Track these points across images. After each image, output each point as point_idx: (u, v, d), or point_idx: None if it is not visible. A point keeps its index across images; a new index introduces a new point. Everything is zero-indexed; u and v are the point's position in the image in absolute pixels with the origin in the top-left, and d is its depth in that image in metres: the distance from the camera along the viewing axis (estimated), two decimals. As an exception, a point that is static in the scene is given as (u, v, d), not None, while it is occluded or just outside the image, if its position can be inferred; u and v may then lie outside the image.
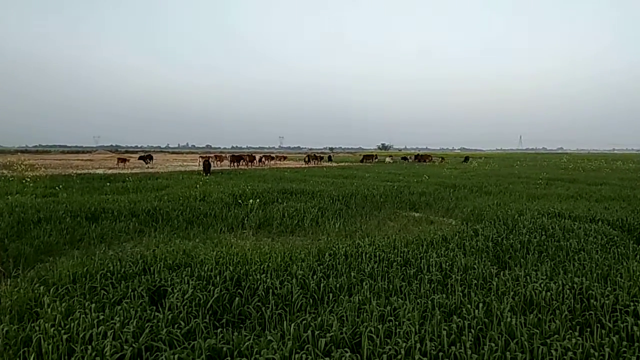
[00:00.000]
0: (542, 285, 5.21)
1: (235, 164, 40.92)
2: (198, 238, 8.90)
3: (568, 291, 5.07)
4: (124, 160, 39.75)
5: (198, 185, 17.52)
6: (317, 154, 64.78)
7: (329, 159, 58.22)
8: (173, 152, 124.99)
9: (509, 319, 4.28)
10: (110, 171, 30.41)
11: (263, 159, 47.90)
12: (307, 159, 49.69)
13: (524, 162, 53.86)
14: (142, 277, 5.50)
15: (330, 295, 5.18)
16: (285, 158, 59.32)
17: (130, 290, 5.06)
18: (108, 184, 18.62)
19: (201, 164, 30.41)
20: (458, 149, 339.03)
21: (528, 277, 5.62)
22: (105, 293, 5.03)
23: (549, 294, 4.96)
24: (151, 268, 5.91)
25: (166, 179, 21.81)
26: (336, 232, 9.56)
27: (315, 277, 5.63)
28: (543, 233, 8.45)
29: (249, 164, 42.00)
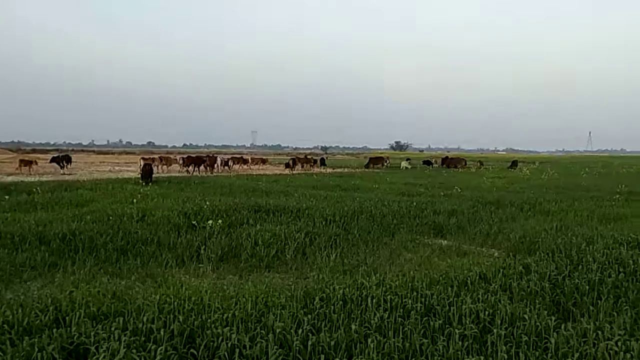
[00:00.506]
0: (620, 343, 5.25)
1: (193, 169, 40.86)
2: (134, 275, 8.84)
3: (656, 352, 5.10)
4: (29, 163, 39.41)
5: (135, 200, 17.47)
6: (307, 156, 64.99)
7: (322, 162, 58.37)
8: (100, 152, 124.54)
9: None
10: (9, 178, 30.20)
11: (230, 163, 47.88)
12: (290, 163, 49.76)
13: (595, 169, 54.40)
14: (54, 330, 5.44)
15: (322, 357, 5.17)
16: (265, 162, 59.19)
17: (36, 349, 5.00)
18: (6, 196, 18.48)
19: (141, 168, 30.32)
20: (502, 151, 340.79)
21: (599, 332, 5.65)
22: (1, 354, 4.99)
23: (628, 355, 4.99)
24: (67, 318, 5.85)
25: (90, 189, 21.71)
26: (331, 266, 9.56)
27: (300, 331, 5.62)
28: (621, 270, 8.51)
29: (209, 168, 41.97)
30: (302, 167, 51.72)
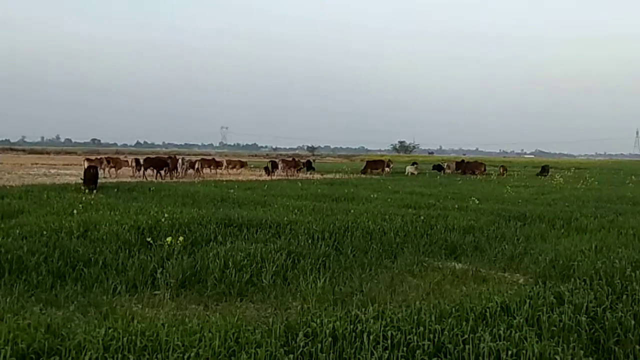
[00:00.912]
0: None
1: (152, 173, 40.74)
2: (74, 304, 8.78)
3: None
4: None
5: (76, 211, 17.38)
6: (295, 159, 65.01)
7: (308, 166, 58.31)
8: (32, 152, 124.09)
9: None
10: None
11: (197, 166, 47.61)
12: (270, 167, 49.83)
13: (643, 178, 54.73)
14: (-28, 373, 5.42)
15: (306, 407, 5.17)
16: (244, 165, 58.36)
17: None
18: None
19: (84, 171, 30.27)
20: (530, 154, 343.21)
21: (647, 377, 5.70)
22: None
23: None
24: (-11, 357, 5.83)
25: (19, 198, 21.57)
26: (318, 294, 9.56)
27: (279, 374, 5.62)
28: (674, 301, 8.57)
29: (171, 173, 41.88)
30: (287, 172, 51.62)
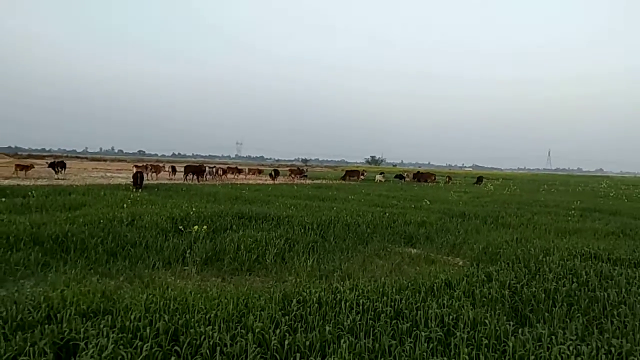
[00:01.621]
0: (572, 348, 5.34)
1: (193, 177, 40.77)
2: (123, 275, 8.79)
3: (604, 356, 5.21)
4: (25, 168, 39.01)
5: (125, 205, 17.33)
6: (300, 167, 65.57)
7: (301, 173, 58.33)
8: (93, 159, 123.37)
9: (527, 391, 4.36)
10: (6, 182, 29.79)
11: (220, 172, 47.72)
12: (273, 174, 49.78)
13: (553, 186, 55.13)
14: (46, 326, 5.41)
15: (298, 355, 5.18)
16: (261, 172, 58.99)
17: (28, 344, 4.97)
18: (3, 199, 18.24)
19: (132, 175, 30.25)
20: (469, 167, 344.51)
21: (553, 337, 5.74)
22: (-6, 348, 4.92)
23: (579, 359, 5.08)
24: (58, 315, 5.81)
25: (82, 194, 21.49)
26: (308, 271, 9.59)
27: (278, 331, 5.63)
28: (574, 280, 8.65)
29: (205, 177, 41.92)
30: (294, 178, 51.80)
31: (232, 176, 51.66)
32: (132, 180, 29.24)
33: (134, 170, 36.42)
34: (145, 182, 31.00)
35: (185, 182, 37.85)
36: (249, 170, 57.53)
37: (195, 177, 41.19)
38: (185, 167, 43.31)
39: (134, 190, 25.19)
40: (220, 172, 47.83)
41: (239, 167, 59.97)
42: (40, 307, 6.04)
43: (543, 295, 7.68)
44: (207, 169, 45.47)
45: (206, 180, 41.54)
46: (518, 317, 7.05)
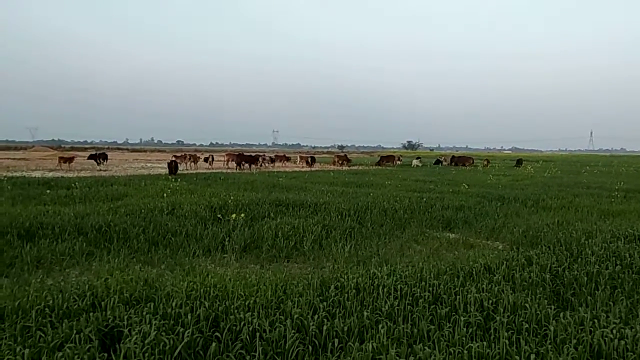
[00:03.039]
0: (615, 331, 5.23)
1: (244, 166, 41.60)
2: (164, 264, 8.96)
3: (648, 339, 5.08)
4: (68, 160, 39.99)
5: (165, 194, 17.63)
6: (346, 155, 65.18)
7: (348, 160, 56.60)
8: (134, 150, 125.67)
9: (569, 376, 4.30)
10: (50, 174, 30.59)
11: (266, 159, 48.48)
12: (309, 161, 49.85)
13: (595, 168, 53.83)
14: (91, 314, 5.54)
15: (336, 341, 5.21)
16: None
17: (74, 331, 5.10)
18: (48, 191, 18.75)
19: (174, 165, 31.02)
20: (508, 150, 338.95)
21: (596, 321, 5.63)
22: (42, 335, 5.08)
23: (622, 342, 4.97)
24: (102, 303, 5.96)
25: (124, 185, 21.93)
26: (345, 257, 9.60)
27: (316, 317, 5.66)
28: (618, 262, 8.46)
29: (251, 166, 42.42)
30: (344, 165, 51.37)
31: (281, 164, 52.05)
32: (167, 168, 30.64)
33: (170, 159, 37.31)
34: (183, 171, 31.69)
35: (237, 170, 38.63)
36: (300, 157, 56.33)
37: (249, 165, 42.03)
38: (239, 156, 44.26)
39: (170, 177, 25.83)
40: (268, 160, 48.74)
41: (287, 155, 60.07)
42: (85, 295, 6.19)
43: (585, 278, 7.54)
44: (259, 157, 46.33)
45: (260, 168, 42.22)
46: (559, 301, 6.94)
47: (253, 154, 51.91)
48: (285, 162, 53.81)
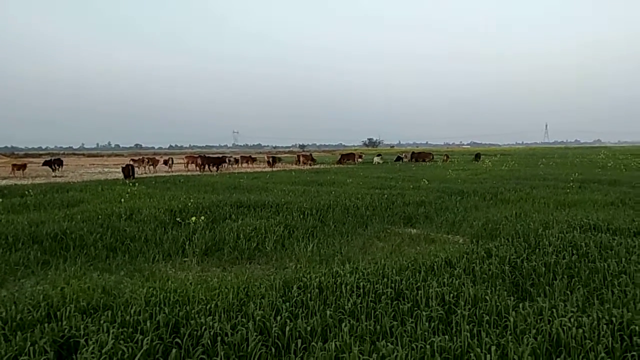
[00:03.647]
0: (573, 319, 5.34)
1: (211, 168, 41.59)
2: (123, 270, 8.78)
3: (605, 327, 5.20)
4: (21, 167, 38.99)
5: (123, 199, 17.30)
6: (310, 154, 65.49)
7: (313, 159, 56.69)
8: (90, 155, 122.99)
9: (529, 366, 4.36)
10: (3, 182, 29.75)
11: (231, 161, 48.70)
12: (271, 161, 49.67)
13: (551, 160, 55.17)
14: (46, 325, 5.39)
15: (299, 341, 5.18)
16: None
17: (29, 343, 4.95)
18: (0, 199, 18.19)
19: (130, 169, 30.53)
20: (467, 144, 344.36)
21: (554, 310, 5.75)
22: (-5, 349, 4.92)
23: (580, 331, 5.08)
24: (58, 313, 5.80)
25: (80, 191, 21.45)
26: (308, 257, 9.59)
27: (279, 318, 5.63)
28: (574, 252, 8.66)
29: (218, 167, 42.37)
30: (307, 164, 51.53)
31: (246, 165, 52.22)
32: (122, 172, 30.48)
33: (126, 163, 36.92)
34: (142, 175, 31.19)
35: (201, 172, 38.76)
36: (268, 157, 56.06)
37: (215, 167, 42.02)
38: (203, 158, 44.15)
39: (127, 181, 25.53)
40: (232, 161, 49.07)
41: (253, 156, 59.97)
42: (39, 305, 6.02)
43: (543, 268, 7.70)
44: (226, 159, 46.48)
45: (221, 170, 42.13)
46: (519, 292, 7.06)
47: (219, 155, 51.89)
48: (251, 163, 53.67)
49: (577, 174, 28.43)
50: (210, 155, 49.65)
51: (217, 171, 40.01)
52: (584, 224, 11.35)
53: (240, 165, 49.95)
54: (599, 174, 29.76)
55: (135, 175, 30.32)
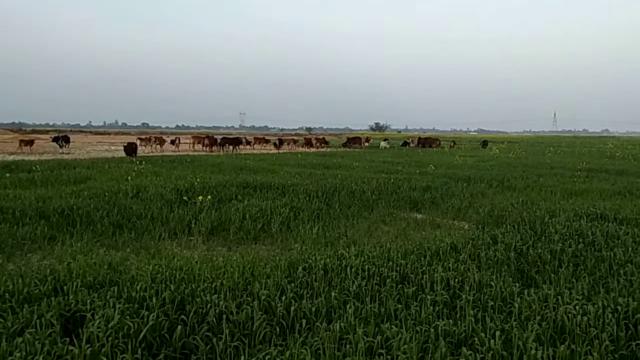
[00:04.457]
0: (577, 307, 5.33)
1: (228, 149, 42.76)
2: (129, 247, 8.83)
3: (610, 315, 5.19)
4: (29, 143, 39.15)
5: (130, 177, 17.35)
6: (320, 137, 65.93)
7: (324, 142, 56.92)
8: (97, 133, 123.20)
9: (533, 351, 4.37)
10: (11, 157, 29.86)
11: (253, 142, 50.18)
12: (277, 143, 49.67)
13: (559, 149, 54.87)
14: (53, 299, 5.43)
15: (304, 322, 5.20)
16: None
17: (36, 316, 4.99)
18: (8, 174, 18.26)
19: (137, 147, 30.67)
20: (474, 131, 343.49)
21: (559, 297, 5.74)
22: (2, 320, 4.95)
23: (585, 318, 5.08)
24: (65, 287, 5.83)
25: (87, 168, 21.53)
26: (313, 239, 9.60)
27: (284, 298, 5.65)
28: (580, 240, 8.62)
29: (234, 148, 43.38)
30: (319, 146, 51.99)
31: (260, 147, 52.82)
32: (125, 150, 31.03)
33: (138, 143, 36.97)
34: (149, 154, 31.32)
35: (221, 153, 39.64)
36: (286, 140, 56.53)
37: (232, 148, 43.31)
38: (222, 139, 45.24)
39: (133, 159, 25.78)
40: (244, 142, 50.09)
41: (266, 138, 60.45)
42: (46, 279, 6.05)
43: (549, 256, 7.68)
44: (243, 139, 47.43)
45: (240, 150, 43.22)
46: (524, 279, 7.07)
47: (236, 136, 52.70)
48: (265, 144, 53.96)
49: (584, 163, 28.26)
50: (228, 136, 50.13)
51: (233, 152, 40.78)
52: (591, 212, 11.29)
53: (252, 147, 50.80)
54: (607, 163, 29.62)
55: (142, 154, 30.48)
